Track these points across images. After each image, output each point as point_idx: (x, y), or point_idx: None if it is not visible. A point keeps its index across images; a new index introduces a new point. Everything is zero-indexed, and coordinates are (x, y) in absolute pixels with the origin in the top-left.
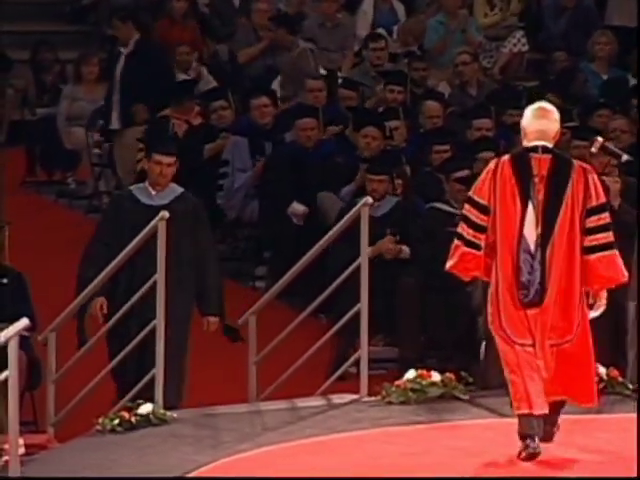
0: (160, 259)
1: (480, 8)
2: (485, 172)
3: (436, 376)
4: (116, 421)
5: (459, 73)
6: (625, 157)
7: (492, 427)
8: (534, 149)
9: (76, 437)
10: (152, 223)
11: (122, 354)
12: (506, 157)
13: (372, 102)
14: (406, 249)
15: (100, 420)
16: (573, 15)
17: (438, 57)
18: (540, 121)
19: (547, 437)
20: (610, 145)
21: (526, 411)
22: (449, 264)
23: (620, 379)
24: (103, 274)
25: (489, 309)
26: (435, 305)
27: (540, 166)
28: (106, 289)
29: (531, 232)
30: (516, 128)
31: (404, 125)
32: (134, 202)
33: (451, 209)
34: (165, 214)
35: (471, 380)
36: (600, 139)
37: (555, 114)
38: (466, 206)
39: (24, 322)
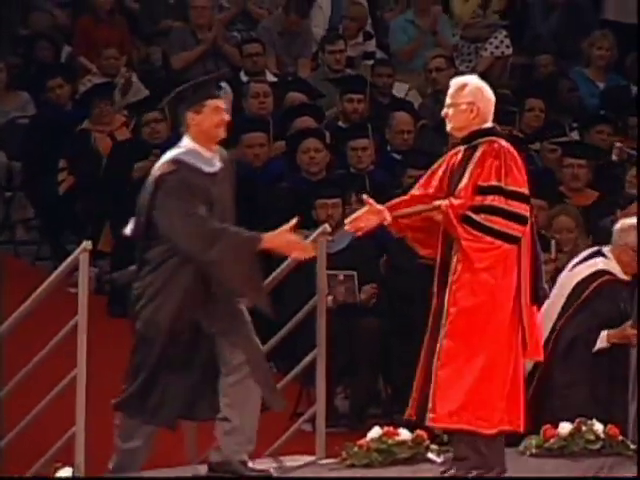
0: (81, 304)
1: (461, 4)
2: (508, 158)
3: (405, 434)
4: None
5: (432, 80)
6: None
7: None
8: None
9: None
10: (74, 255)
11: None
12: (504, 142)
13: (332, 114)
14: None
15: None
16: (565, 12)
17: (407, 61)
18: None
19: None
20: (630, 150)
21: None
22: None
23: (620, 437)
24: None
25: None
26: (402, 352)
27: None
28: None
29: None
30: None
31: (372, 144)
32: (198, 174)
33: None
34: (88, 244)
35: (446, 439)
36: (619, 144)
37: None
38: (512, 202)
39: None
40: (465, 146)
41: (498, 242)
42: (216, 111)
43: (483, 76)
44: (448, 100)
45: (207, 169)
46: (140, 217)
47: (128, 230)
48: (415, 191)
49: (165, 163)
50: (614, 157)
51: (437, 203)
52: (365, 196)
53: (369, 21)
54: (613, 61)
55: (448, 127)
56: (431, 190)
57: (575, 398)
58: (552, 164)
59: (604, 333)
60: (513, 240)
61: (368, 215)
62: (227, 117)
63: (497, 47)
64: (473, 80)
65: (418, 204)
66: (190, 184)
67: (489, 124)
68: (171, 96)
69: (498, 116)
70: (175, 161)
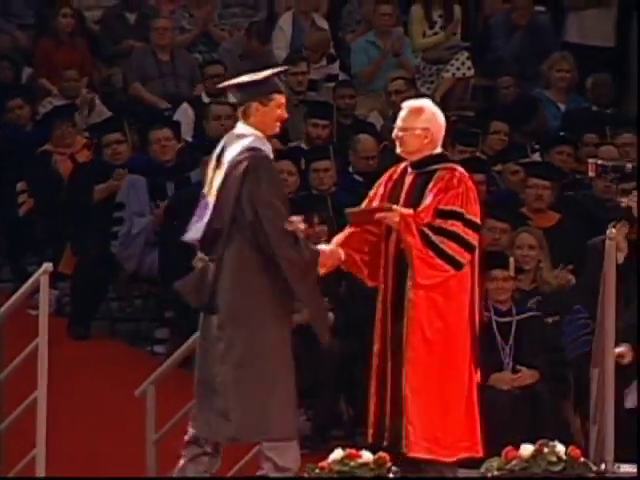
0: (42, 326)
1: (417, 26)
2: (468, 188)
3: (367, 456)
4: None
5: (392, 102)
6: (629, 165)
7: None
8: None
9: None
10: (34, 277)
11: None
12: (462, 169)
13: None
14: (330, 315)
15: None
16: (526, 34)
17: (368, 83)
18: None
19: None
20: (606, 163)
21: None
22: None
23: (582, 459)
24: None
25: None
26: (364, 374)
27: None
28: None
29: None
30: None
31: (334, 166)
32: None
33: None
34: (49, 266)
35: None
36: (592, 160)
37: None
38: (468, 231)
39: None
40: (416, 171)
41: (447, 266)
42: (280, 106)
43: (444, 97)
44: (401, 123)
45: (271, 157)
46: (222, 213)
47: (191, 236)
48: None
49: (248, 151)
50: (591, 173)
51: (394, 206)
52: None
53: (331, 43)
54: (574, 83)
55: (399, 150)
56: None
57: None
58: (514, 186)
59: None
60: (459, 266)
61: (324, 260)
62: (286, 114)
63: (458, 69)
64: (428, 105)
65: (357, 238)
66: (276, 174)
67: (439, 149)
68: (239, 83)
69: (460, 137)
70: (258, 149)
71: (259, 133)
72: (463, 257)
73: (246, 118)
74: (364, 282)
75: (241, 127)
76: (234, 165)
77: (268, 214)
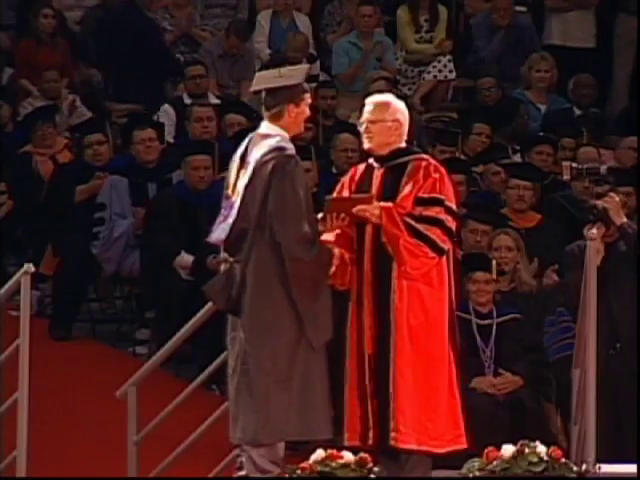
0: (23, 327)
1: (407, 29)
2: (443, 175)
3: (348, 456)
4: None
5: None
6: (604, 167)
7: None
8: None
9: None
10: (15, 277)
11: None
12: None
13: None
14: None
15: None
16: (507, 35)
17: (349, 84)
18: None
19: None
20: (580, 165)
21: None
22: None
23: (563, 460)
24: None
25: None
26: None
27: None
28: None
29: None
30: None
31: (315, 166)
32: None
33: None
34: (30, 267)
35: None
36: (567, 163)
37: None
38: (449, 217)
39: None
40: (387, 165)
41: (432, 253)
42: (308, 105)
43: (425, 98)
44: (370, 117)
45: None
46: (248, 212)
47: (216, 237)
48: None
49: (275, 151)
50: (565, 177)
51: (375, 200)
52: None
53: (312, 42)
54: (553, 83)
55: (369, 144)
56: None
57: None
58: (496, 187)
59: None
60: (442, 253)
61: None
62: (309, 112)
63: (440, 71)
64: (393, 98)
65: (344, 237)
66: (302, 173)
67: (404, 143)
68: (274, 87)
69: (441, 137)
70: (285, 148)
71: (284, 133)
72: (445, 243)
73: (277, 120)
74: (334, 286)
75: (266, 127)
76: (261, 165)
77: (288, 215)
